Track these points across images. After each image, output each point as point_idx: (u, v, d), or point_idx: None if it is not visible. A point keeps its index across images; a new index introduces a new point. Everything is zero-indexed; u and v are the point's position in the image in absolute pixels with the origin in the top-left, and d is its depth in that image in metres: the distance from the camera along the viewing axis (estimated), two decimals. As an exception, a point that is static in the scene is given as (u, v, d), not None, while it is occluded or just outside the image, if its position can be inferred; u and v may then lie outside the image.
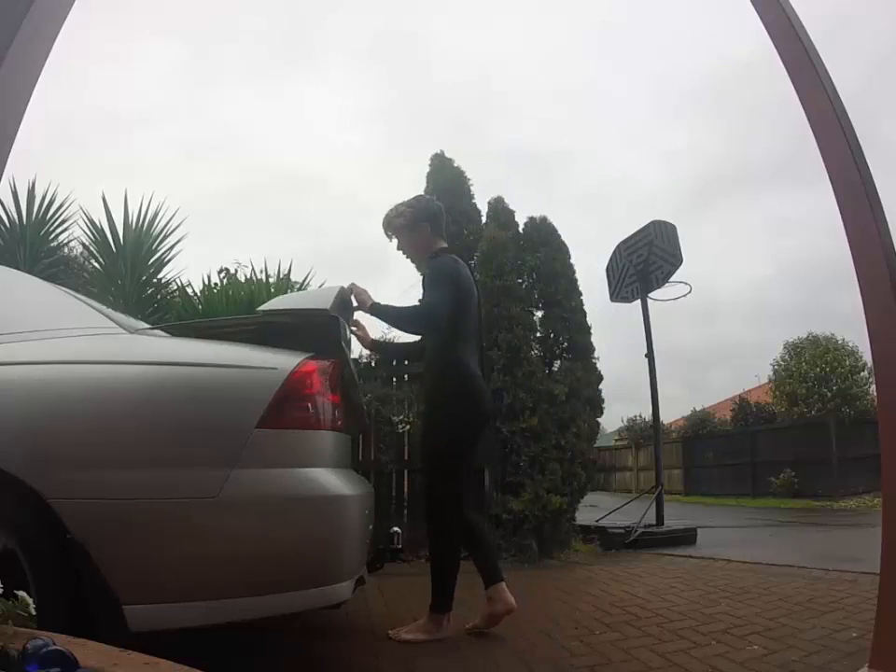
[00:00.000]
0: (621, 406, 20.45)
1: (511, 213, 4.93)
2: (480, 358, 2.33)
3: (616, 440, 20.09)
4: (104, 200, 4.44)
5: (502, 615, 2.14)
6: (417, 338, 2.54)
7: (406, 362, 4.40)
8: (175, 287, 4.60)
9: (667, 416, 18.71)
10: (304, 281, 4.65)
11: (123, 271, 4.18)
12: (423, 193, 2.53)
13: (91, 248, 4.57)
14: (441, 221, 2.41)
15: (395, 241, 2.44)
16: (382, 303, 2.23)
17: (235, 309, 4.03)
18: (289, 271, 4.56)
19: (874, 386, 2.08)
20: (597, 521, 5.29)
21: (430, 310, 2.20)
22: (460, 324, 2.21)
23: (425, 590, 2.42)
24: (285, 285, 4.48)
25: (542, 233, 4.89)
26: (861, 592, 2.72)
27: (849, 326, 13.04)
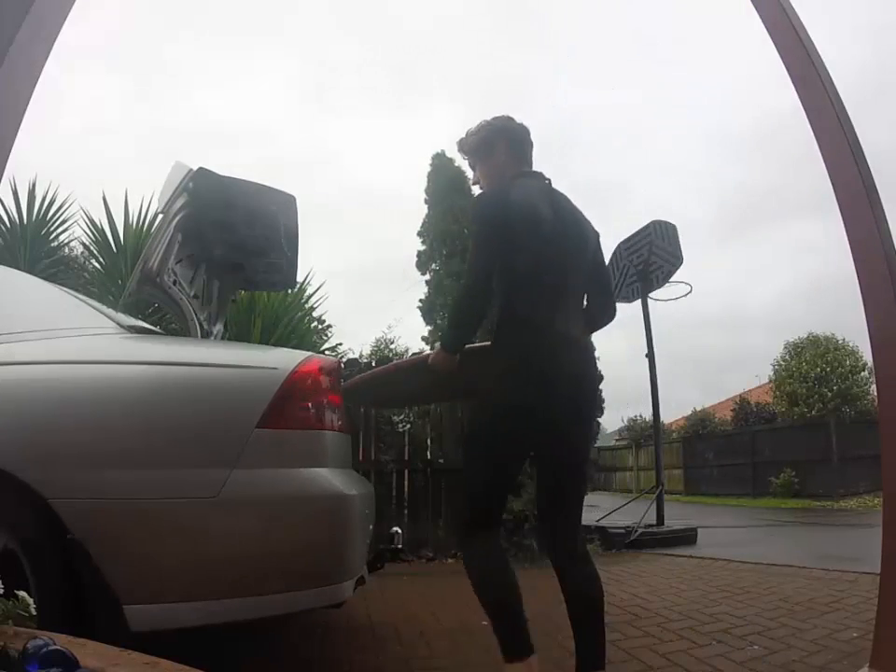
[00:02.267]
0: (621, 406, 20.46)
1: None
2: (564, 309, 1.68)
3: (616, 440, 20.10)
4: (104, 200, 4.45)
5: None
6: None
7: None
8: None
9: (668, 416, 18.74)
10: (304, 281, 4.66)
11: (123, 271, 4.17)
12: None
13: (92, 248, 4.58)
14: (522, 143, 1.87)
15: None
16: (443, 336, 1.83)
17: (238, 313, 4.04)
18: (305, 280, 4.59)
19: (874, 386, 2.08)
20: (598, 521, 5.28)
21: (464, 287, 1.68)
22: (517, 272, 1.63)
23: (425, 590, 2.42)
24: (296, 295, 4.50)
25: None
26: (861, 592, 2.72)
27: (849, 326, 13.06)
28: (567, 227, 1.72)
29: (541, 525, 1.74)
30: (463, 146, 1.93)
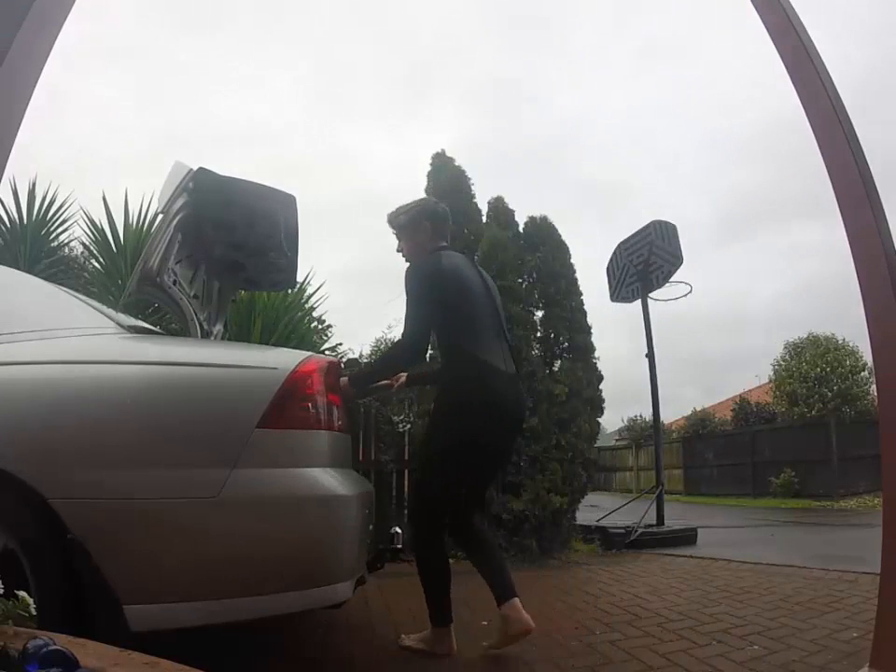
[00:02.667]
0: (621, 406, 20.47)
1: (512, 212, 4.93)
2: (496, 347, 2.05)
3: (616, 440, 20.09)
4: (104, 200, 4.45)
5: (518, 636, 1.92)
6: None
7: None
8: None
9: (668, 416, 18.73)
10: (304, 281, 4.66)
11: (123, 271, 4.18)
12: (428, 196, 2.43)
13: (91, 248, 4.58)
14: (444, 224, 2.25)
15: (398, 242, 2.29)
16: (357, 371, 2.19)
17: (238, 313, 4.04)
18: (305, 280, 4.59)
19: (874, 386, 2.08)
20: (598, 521, 5.28)
21: (411, 340, 1.97)
22: (457, 323, 2.00)
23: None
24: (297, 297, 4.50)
25: (542, 233, 4.88)
26: (861, 592, 2.72)
27: (849, 325, 13.07)
28: (489, 284, 2.18)
29: (455, 516, 2.08)
30: (392, 221, 2.26)
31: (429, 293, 1.98)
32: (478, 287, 2.10)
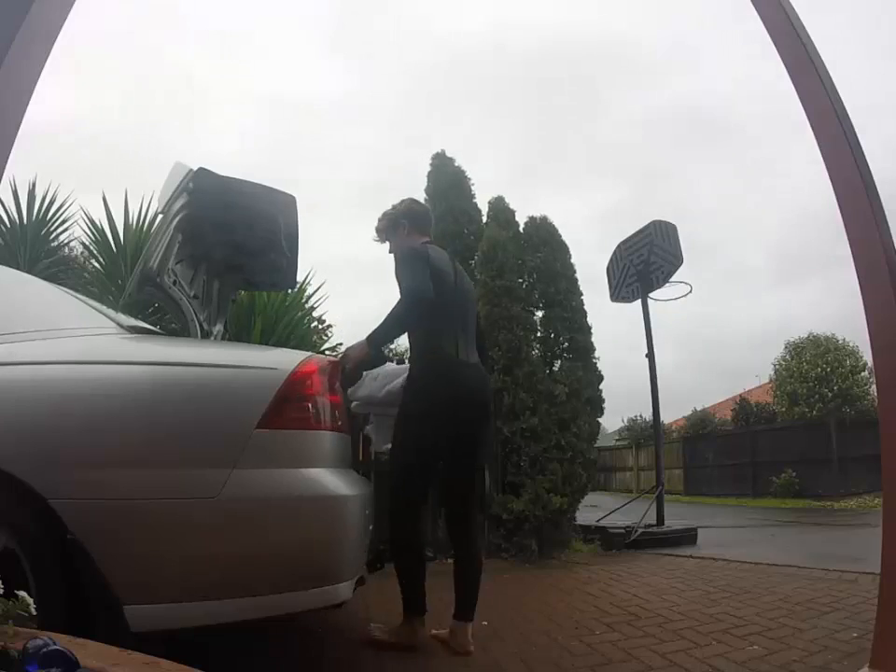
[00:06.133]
0: (621, 406, 20.43)
1: (512, 212, 4.93)
2: (466, 343, 2.16)
3: (616, 440, 20.08)
4: (104, 200, 4.45)
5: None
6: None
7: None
8: None
9: (668, 416, 18.72)
10: (305, 281, 4.66)
11: (123, 271, 4.17)
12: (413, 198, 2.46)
13: (91, 248, 4.58)
14: (422, 220, 2.34)
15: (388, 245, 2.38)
16: (373, 331, 2.06)
17: (238, 313, 4.04)
18: (305, 280, 4.58)
19: (874, 387, 2.08)
20: (598, 521, 5.28)
21: (413, 294, 1.99)
22: (432, 309, 2.03)
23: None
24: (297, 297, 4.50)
25: (543, 233, 4.88)
26: (861, 592, 2.72)
27: (849, 326, 13.05)
28: (465, 283, 2.30)
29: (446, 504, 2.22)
30: (377, 229, 2.37)
31: (417, 264, 2.05)
32: (450, 280, 2.18)
